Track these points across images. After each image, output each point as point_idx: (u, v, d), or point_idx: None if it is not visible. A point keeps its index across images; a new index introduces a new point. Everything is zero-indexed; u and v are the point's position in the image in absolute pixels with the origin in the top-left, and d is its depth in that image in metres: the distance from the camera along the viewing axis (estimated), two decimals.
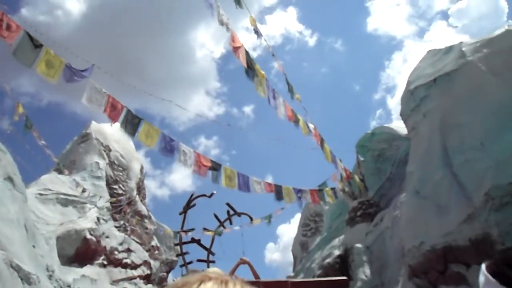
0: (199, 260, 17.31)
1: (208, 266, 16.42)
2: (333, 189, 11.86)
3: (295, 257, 29.14)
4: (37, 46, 5.61)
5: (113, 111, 6.25)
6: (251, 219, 16.13)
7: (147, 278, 21.14)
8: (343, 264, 14.77)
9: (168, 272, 26.92)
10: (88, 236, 17.04)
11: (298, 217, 30.86)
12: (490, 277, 1.01)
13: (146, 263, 21.60)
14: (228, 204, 17.54)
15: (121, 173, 25.16)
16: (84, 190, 17.52)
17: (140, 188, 27.54)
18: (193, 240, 17.34)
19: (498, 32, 10.21)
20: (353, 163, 19.28)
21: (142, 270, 20.89)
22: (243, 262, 4.05)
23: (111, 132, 25.67)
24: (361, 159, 19.41)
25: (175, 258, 26.60)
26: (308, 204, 22.85)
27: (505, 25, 10.37)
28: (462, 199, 8.93)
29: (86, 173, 21.82)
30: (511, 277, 0.98)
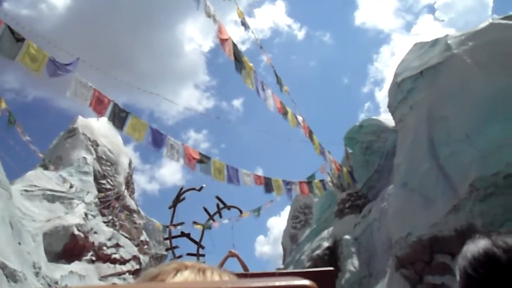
0: (189, 254, 17.33)
1: (198, 260, 16.41)
2: (321, 181, 11.96)
3: (285, 250, 29.34)
4: (19, 40, 5.49)
5: (99, 105, 6.17)
6: (241, 212, 16.18)
7: (136, 273, 21.06)
8: (332, 255, 14.92)
9: None
10: (76, 232, 16.87)
11: (288, 209, 31.07)
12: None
13: (135, 258, 21.50)
14: (217, 198, 17.56)
15: (109, 168, 24.89)
16: (71, 186, 17.31)
17: (129, 183, 27.31)
18: (182, 234, 17.33)
19: (482, 25, 10.33)
20: (342, 156, 19.43)
21: (132, 265, 20.79)
22: (231, 255, 4.07)
23: (99, 126, 25.33)
24: (350, 151, 19.55)
25: (164, 253, 26.54)
26: (298, 196, 22.98)
27: (489, 18, 10.51)
28: (448, 191, 9.07)
29: (73, 168, 21.53)
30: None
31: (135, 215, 24.89)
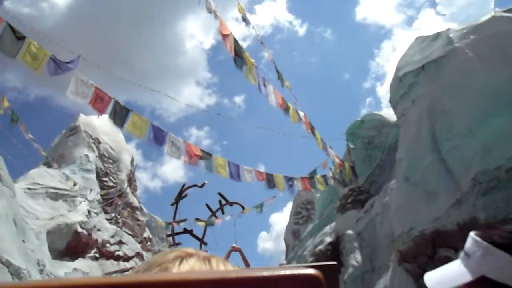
0: None
1: None
2: (323, 176, 11.96)
3: (287, 245, 29.39)
4: (20, 38, 5.49)
5: (99, 103, 6.17)
6: (243, 208, 16.20)
7: None
8: (335, 251, 14.95)
9: None
10: (79, 230, 16.95)
11: (290, 205, 31.09)
12: (480, 240, 0.96)
13: (138, 255, 21.60)
14: (220, 194, 17.58)
15: (111, 165, 24.96)
16: (74, 184, 17.36)
17: (131, 180, 27.38)
18: (185, 231, 17.36)
19: (484, 18, 10.26)
20: (343, 151, 19.41)
21: (135, 262, 20.90)
22: (234, 249, 4.08)
23: (100, 124, 25.38)
24: (351, 146, 19.52)
25: (167, 249, 26.62)
26: (300, 192, 23.00)
27: (491, 11, 10.43)
28: (450, 185, 9.06)
29: (75, 166, 21.60)
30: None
31: (137, 212, 24.97)
